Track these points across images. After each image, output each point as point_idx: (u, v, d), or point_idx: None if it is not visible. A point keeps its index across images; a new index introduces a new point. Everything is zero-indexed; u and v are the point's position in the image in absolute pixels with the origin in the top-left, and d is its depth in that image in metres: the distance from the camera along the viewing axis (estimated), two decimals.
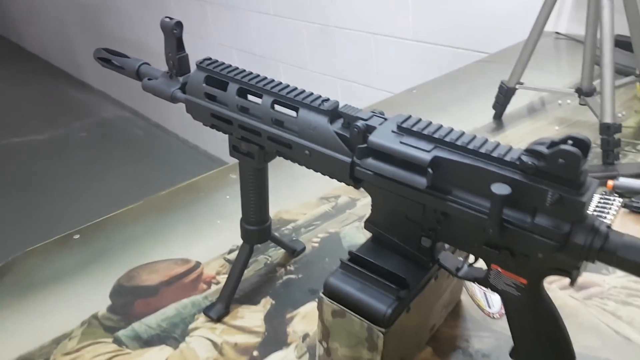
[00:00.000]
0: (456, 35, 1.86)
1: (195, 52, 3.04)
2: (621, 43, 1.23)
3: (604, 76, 0.93)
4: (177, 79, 0.71)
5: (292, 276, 0.85)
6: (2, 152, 4.28)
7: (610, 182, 0.91)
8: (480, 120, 1.28)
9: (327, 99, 0.61)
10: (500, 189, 0.45)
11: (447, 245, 0.59)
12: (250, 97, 0.67)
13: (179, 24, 0.70)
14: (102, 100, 5.04)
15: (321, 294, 0.58)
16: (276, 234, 0.86)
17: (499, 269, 0.52)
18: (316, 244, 0.91)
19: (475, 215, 0.49)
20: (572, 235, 0.45)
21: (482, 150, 0.48)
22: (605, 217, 0.85)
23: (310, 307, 0.78)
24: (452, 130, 0.52)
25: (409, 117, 0.54)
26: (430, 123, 0.53)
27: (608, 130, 0.95)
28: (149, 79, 0.74)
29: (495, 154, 0.48)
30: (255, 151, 0.68)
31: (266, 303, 0.80)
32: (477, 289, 0.76)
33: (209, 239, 0.96)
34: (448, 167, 0.50)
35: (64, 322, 0.81)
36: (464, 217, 0.50)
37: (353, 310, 0.56)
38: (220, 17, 3.07)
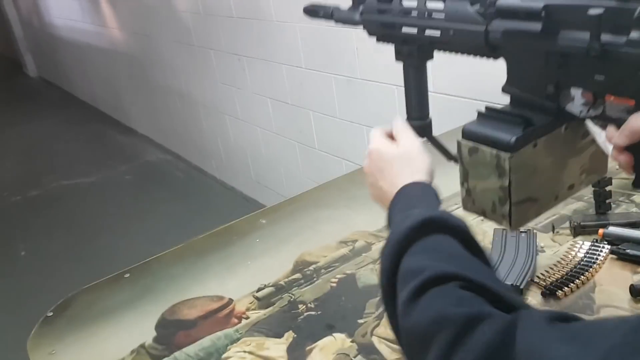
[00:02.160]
0: (474, 87, 1.99)
1: (232, 100, 3.33)
2: None
3: (591, 131, 1.03)
4: (358, 7, 0.88)
5: (312, 312, 0.96)
6: (53, 194, 4.58)
7: (600, 230, 1.00)
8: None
9: None
10: (594, 10, 0.55)
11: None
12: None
13: None
14: (146, 144, 5.33)
15: (459, 139, 0.69)
16: (435, 137, 0.93)
17: (612, 98, 0.60)
18: (334, 284, 1.03)
19: (581, 47, 0.57)
20: None
21: None
22: (594, 263, 0.94)
23: (328, 341, 0.90)
24: None
25: None
26: None
27: (599, 184, 1.04)
28: (339, 14, 0.91)
29: None
30: (414, 51, 0.83)
31: (289, 336, 0.92)
32: (598, 138, 0.72)
33: (241, 278, 1.09)
34: (558, 11, 0.60)
35: (116, 351, 0.94)
36: (574, 51, 0.59)
37: (485, 143, 0.66)
38: (255, 69, 3.28)
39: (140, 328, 0.99)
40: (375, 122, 2.71)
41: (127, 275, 1.15)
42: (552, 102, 0.66)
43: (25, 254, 3.70)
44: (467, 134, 0.69)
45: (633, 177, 0.61)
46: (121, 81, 5.54)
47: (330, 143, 2.93)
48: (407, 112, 0.90)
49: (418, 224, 0.59)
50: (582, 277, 0.92)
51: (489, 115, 0.68)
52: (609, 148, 0.63)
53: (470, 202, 0.71)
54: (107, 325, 1.02)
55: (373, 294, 0.98)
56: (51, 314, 1.06)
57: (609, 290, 0.89)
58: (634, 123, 0.56)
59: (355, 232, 1.18)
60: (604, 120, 0.63)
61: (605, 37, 0.56)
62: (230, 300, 1.02)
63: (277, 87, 3.13)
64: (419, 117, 0.89)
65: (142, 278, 1.14)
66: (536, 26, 0.61)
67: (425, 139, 0.90)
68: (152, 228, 3.66)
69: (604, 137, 0.65)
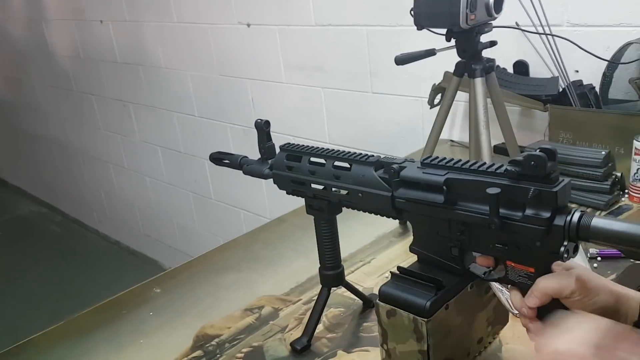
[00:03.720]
0: (366, 140, 2.02)
1: (117, 148, 3.12)
2: (499, 149, 1.43)
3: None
4: (267, 161, 0.92)
5: None
6: None
7: None
8: (388, 225, 1.34)
9: (372, 155, 0.79)
10: (492, 190, 0.60)
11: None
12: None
13: (268, 123, 0.91)
14: (17, 196, 4.85)
15: (377, 301, 0.71)
16: (349, 281, 0.99)
17: (512, 264, 0.64)
18: None
19: (482, 218, 0.63)
20: (553, 219, 0.58)
21: (481, 168, 0.64)
22: None
23: None
24: (461, 160, 0.68)
25: (431, 156, 0.71)
26: (446, 158, 0.69)
27: None
28: (247, 165, 0.94)
29: (489, 169, 0.63)
30: (324, 205, 0.87)
31: None
32: (502, 296, 0.80)
33: (130, 359, 0.96)
34: (458, 185, 0.66)
35: None
36: (475, 222, 0.64)
37: (401, 307, 0.69)
38: (143, 116, 3.13)
39: None
40: None
41: None
42: (457, 264, 0.71)
43: None
44: (383, 296, 0.71)
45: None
46: None
47: (227, 193, 2.83)
48: (321, 263, 0.94)
49: None
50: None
51: (403, 277, 0.71)
52: (512, 307, 0.69)
53: None
54: None
55: None
56: None
57: (516, 349, 0.89)
58: (543, 285, 0.61)
59: (261, 298, 1.10)
60: (506, 283, 0.67)
61: (503, 211, 0.61)
62: None
63: (168, 135, 2.99)
64: (332, 267, 0.93)
65: None
66: (438, 197, 0.67)
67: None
68: (26, 292, 3.28)
69: (507, 296, 0.71)
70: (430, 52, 1.15)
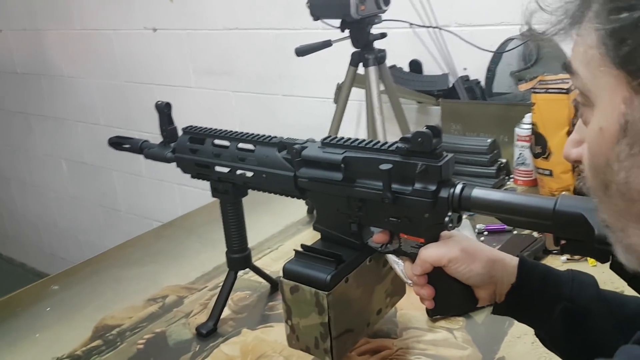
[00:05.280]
0: None
1: (18, 163, 2.96)
2: None
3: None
4: (169, 145, 0.91)
5: None
6: None
7: None
8: (297, 214, 1.36)
9: (275, 137, 0.80)
10: (384, 166, 0.64)
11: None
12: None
13: (169, 105, 0.92)
14: None
15: (280, 278, 0.73)
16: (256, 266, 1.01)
17: (405, 236, 0.68)
18: (141, 346, 0.92)
19: (376, 193, 0.66)
20: (439, 192, 0.63)
21: (375, 146, 0.68)
22: None
23: None
24: (358, 139, 0.71)
25: (330, 136, 0.74)
26: (346, 138, 0.72)
27: None
28: (148, 149, 0.93)
29: (382, 147, 0.67)
30: (230, 188, 0.87)
31: None
32: (397, 268, 0.81)
33: (27, 353, 0.92)
34: (355, 163, 0.69)
35: None
36: (371, 197, 0.67)
37: (303, 282, 0.71)
38: (45, 128, 2.99)
39: None
40: (186, 178, 2.61)
41: None
42: (356, 239, 0.74)
43: None
44: (287, 273, 0.73)
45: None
46: None
47: (137, 204, 2.75)
48: (227, 246, 0.95)
49: None
50: None
51: (306, 254, 0.74)
52: (406, 277, 0.73)
53: (294, 338, 0.75)
54: None
55: (185, 350, 0.89)
56: None
57: (409, 314, 0.94)
58: (423, 254, 0.66)
59: (165, 288, 1.08)
60: (400, 255, 0.72)
61: (395, 186, 0.66)
62: None
63: (72, 146, 2.88)
64: (239, 250, 0.95)
65: None
66: (337, 175, 0.70)
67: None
68: None
69: (402, 267, 0.75)
70: (327, 43, 1.20)
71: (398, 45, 1.64)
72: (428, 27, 1.42)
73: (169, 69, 2.31)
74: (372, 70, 1.18)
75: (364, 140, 0.71)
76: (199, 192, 2.41)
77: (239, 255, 0.95)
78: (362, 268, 0.75)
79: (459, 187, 0.63)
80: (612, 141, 0.40)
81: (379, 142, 0.70)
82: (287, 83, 2.02)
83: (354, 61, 1.21)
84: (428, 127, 0.63)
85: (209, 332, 0.93)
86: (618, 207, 0.42)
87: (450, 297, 0.69)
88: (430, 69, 1.67)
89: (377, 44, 1.23)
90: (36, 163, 3.17)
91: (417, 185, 0.64)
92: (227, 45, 2.11)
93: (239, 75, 2.13)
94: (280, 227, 1.30)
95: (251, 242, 0.95)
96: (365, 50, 1.18)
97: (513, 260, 0.67)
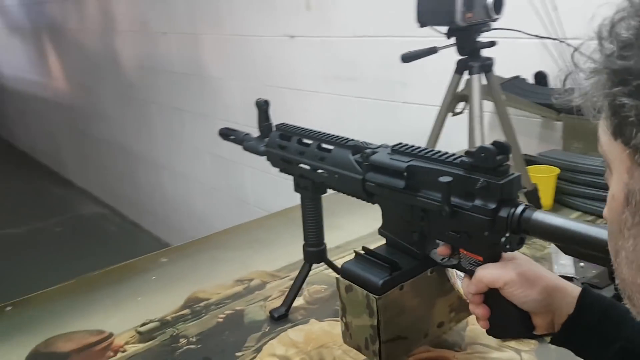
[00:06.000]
0: None
1: (171, 154, 3.30)
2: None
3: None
4: (264, 139, 0.97)
5: (192, 346, 0.93)
6: None
7: None
8: None
9: (352, 140, 0.83)
10: (444, 178, 0.63)
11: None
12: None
13: (267, 102, 0.99)
14: (82, 197, 5.18)
15: (338, 276, 0.76)
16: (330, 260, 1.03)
17: (464, 252, 0.67)
18: (221, 320, 1.00)
19: (437, 205, 0.65)
20: (498, 211, 0.61)
21: (441, 157, 0.67)
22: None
23: None
24: (428, 148, 0.71)
25: (401, 143, 0.74)
26: (417, 146, 0.72)
27: None
28: (247, 142, 1.02)
29: (448, 159, 0.66)
30: (309, 185, 0.92)
31: None
32: (458, 282, 0.81)
33: (127, 313, 1.05)
34: (418, 172, 0.69)
35: None
36: (431, 208, 0.67)
37: (357, 284, 0.73)
38: (195, 124, 3.31)
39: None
40: None
41: (9, 308, 1.09)
42: (417, 249, 0.74)
43: None
44: (344, 272, 0.76)
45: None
46: (61, 132, 5.45)
47: (264, 198, 2.94)
48: (305, 239, 0.99)
49: None
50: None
51: (365, 256, 0.76)
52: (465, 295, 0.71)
53: (348, 336, 0.78)
54: None
55: (256, 329, 0.96)
56: None
57: (479, 329, 0.90)
58: (479, 273, 0.64)
59: (253, 272, 1.17)
60: (460, 270, 0.70)
61: (456, 200, 0.64)
62: (110, 334, 0.98)
63: (215, 141, 3.15)
64: (315, 244, 0.99)
65: (24, 311, 1.08)
66: (400, 183, 0.70)
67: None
68: None
69: (460, 285, 0.74)
70: (432, 50, 1.20)
71: (524, 56, 1.57)
72: (541, 37, 1.34)
73: (301, 74, 2.43)
74: (475, 78, 1.15)
75: (432, 150, 0.71)
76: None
77: (315, 249, 0.99)
78: (422, 278, 0.74)
79: (520, 208, 0.60)
80: (620, 209, 0.41)
81: (445, 153, 0.69)
82: (408, 90, 2.03)
83: (459, 69, 1.19)
84: (494, 142, 0.61)
85: (280, 317, 0.98)
86: (624, 275, 0.43)
87: (506, 320, 0.66)
88: (558, 82, 1.57)
89: (499, 54, 1.20)
90: (186, 155, 3.52)
91: (477, 202, 0.62)
92: (354, 51, 2.17)
93: (362, 81, 2.18)
94: (371, 229, 1.31)
95: (340, 240, 0.98)
96: (471, 58, 1.15)
97: (575, 291, 0.63)
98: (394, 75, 2.05)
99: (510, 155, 0.64)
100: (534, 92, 1.56)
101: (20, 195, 5.43)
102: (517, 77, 1.60)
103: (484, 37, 1.17)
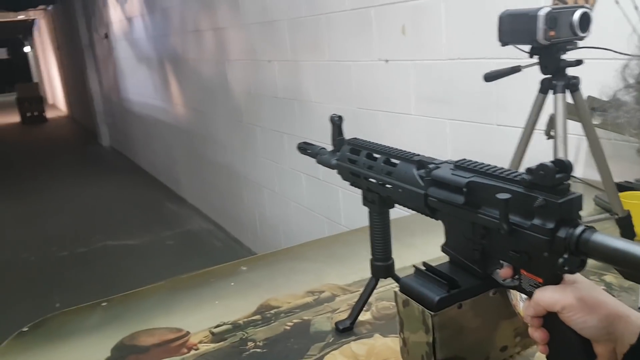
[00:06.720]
0: None
1: (271, 174, 3.48)
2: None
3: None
4: (336, 153, 1.01)
5: (258, 350, 0.97)
6: (97, 253, 4.79)
7: None
8: None
9: (417, 155, 0.83)
10: (502, 195, 0.62)
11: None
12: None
13: (341, 118, 1.01)
14: (193, 213, 5.54)
15: (396, 290, 0.77)
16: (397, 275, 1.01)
17: (525, 273, 0.65)
18: (288, 327, 1.04)
19: (495, 222, 0.64)
20: (557, 231, 0.59)
21: (502, 174, 0.66)
22: None
23: None
24: (490, 165, 0.70)
25: (465, 159, 0.73)
26: (480, 163, 0.71)
27: None
28: (320, 156, 1.06)
29: (508, 176, 0.65)
30: (376, 198, 0.93)
31: None
32: (520, 304, 0.80)
33: (205, 315, 1.11)
34: (479, 189, 0.68)
35: None
36: (490, 226, 0.66)
37: (414, 299, 0.73)
38: (293, 146, 3.43)
39: (99, 350, 1.03)
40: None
41: (104, 304, 1.20)
42: (479, 267, 0.72)
43: (59, 305, 3.83)
44: (402, 286, 0.77)
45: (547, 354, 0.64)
46: (178, 153, 5.89)
47: (355, 219, 2.96)
48: (372, 254, 1.00)
49: None
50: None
51: (424, 272, 0.75)
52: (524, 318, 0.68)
53: (405, 352, 0.78)
54: (71, 344, 1.06)
55: (320, 339, 0.98)
56: (26, 329, 1.12)
57: None
58: (537, 295, 0.62)
59: (325, 285, 1.19)
60: (520, 292, 0.68)
61: (515, 219, 0.63)
62: (187, 333, 1.05)
63: (310, 163, 3.24)
64: (382, 259, 0.99)
65: (116, 307, 1.19)
66: (459, 198, 0.70)
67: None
68: None
69: (521, 307, 0.71)
70: (516, 69, 1.18)
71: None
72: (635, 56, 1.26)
73: (394, 97, 2.46)
74: (560, 97, 1.10)
75: (495, 167, 0.69)
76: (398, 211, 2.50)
77: (382, 264, 1.00)
78: (483, 298, 0.73)
79: (579, 229, 0.58)
80: None
81: (507, 170, 0.67)
82: (503, 113, 1.97)
83: (543, 88, 1.15)
84: (555, 160, 0.60)
85: (345, 329, 1.00)
86: None
87: (565, 346, 0.63)
88: None
89: (588, 73, 1.15)
90: (284, 175, 3.65)
91: (536, 221, 0.61)
92: (448, 74, 2.16)
93: (455, 103, 2.16)
94: None
95: (413, 259, 0.97)
96: (555, 77, 1.11)
97: (639, 320, 0.59)
98: (488, 97, 2.00)
99: (572, 174, 0.61)
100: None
101: (138, 209, 5.92)
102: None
103: (570, 56, 1.13)
